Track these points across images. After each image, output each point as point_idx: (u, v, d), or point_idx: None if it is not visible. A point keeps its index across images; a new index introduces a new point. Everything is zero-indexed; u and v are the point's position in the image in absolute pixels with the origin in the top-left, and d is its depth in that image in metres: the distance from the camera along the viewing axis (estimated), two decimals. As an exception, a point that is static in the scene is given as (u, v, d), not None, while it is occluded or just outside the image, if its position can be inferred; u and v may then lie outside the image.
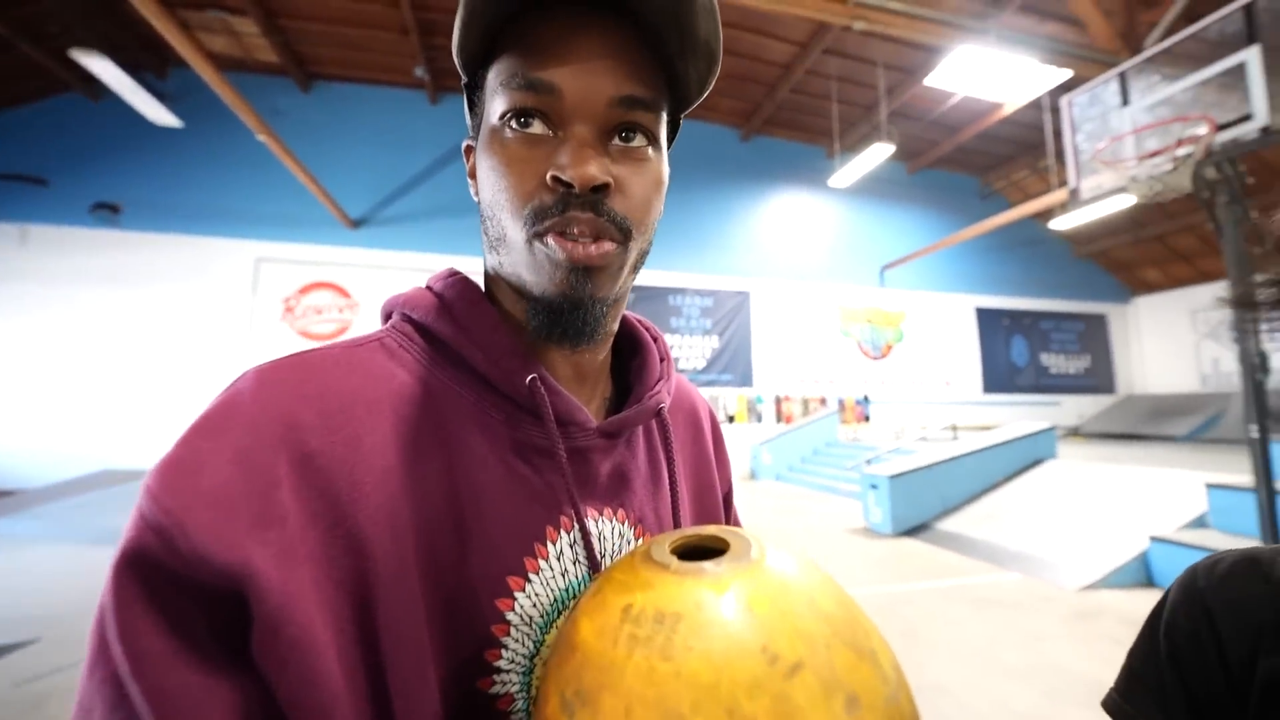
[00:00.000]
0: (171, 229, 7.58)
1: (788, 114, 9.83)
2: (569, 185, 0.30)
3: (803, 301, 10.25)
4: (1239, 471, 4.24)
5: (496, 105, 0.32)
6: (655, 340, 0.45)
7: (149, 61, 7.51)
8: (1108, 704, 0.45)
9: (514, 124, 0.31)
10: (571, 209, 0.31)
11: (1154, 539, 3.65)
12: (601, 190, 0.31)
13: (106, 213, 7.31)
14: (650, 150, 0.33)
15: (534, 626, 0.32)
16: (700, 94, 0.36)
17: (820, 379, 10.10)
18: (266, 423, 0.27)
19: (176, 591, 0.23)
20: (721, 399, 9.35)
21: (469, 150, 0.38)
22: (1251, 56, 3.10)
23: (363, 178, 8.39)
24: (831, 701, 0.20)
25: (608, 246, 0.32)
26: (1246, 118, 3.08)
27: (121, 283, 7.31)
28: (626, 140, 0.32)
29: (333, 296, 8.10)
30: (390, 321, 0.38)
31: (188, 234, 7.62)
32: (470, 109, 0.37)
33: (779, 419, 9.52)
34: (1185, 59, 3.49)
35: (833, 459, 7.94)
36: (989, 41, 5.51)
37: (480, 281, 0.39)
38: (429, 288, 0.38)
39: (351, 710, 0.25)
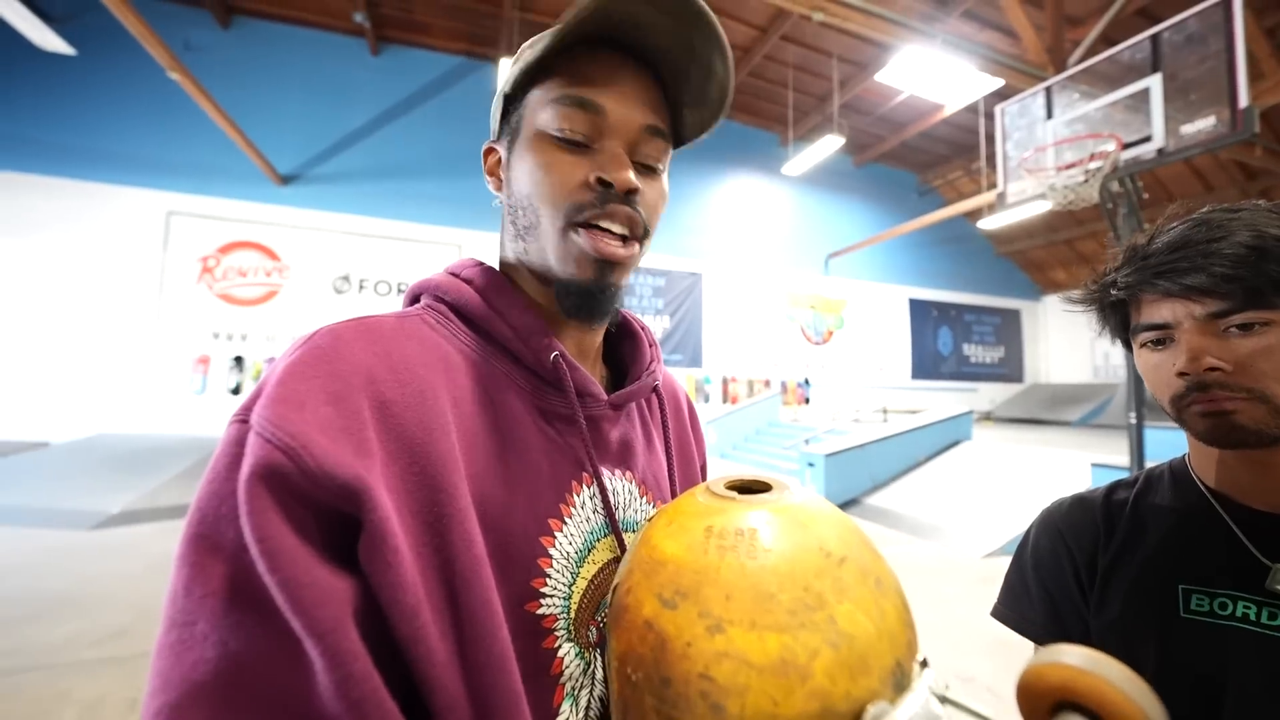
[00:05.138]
0: (58, 171, 6.65)
1: (745, 98, 9.90)
2: (609, 185, 0.37)
3: (752, 285, 10.52)
4: (1118, 453, 4.85)
5: (543, 116, 0.38)
6: (643, 329, 0.51)
7: (28, -27, 6.47)
8: (994, 612, 0.62)
9: (560, 133, 0.37)
10: (610, 203, 0.37)
11: (1046, 511, 4.12)
12: (633, 194, 0.38)
13: (-24, 148, 6.34)
14: (660, 170, 0.41)
15: (571, 560, 0.37)
16: (697, 136, 0.44)
17: (765, 361, 10.47)
18: (349, 372, 0.31)
19: (299, 502, 0.27)
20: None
21: (489, 151, 0.44)
22: (1154, 84, 3.44)
23: (293, 130, 7.68)
24: (868, 580, 0.27)
25: (634, 248, 0.39)
26: (1147, 139, 3.43)
27: (-4, 230, 6.39)
28: (645, 160, 0.39)
29: (259, 258, 7.45)
30: (422, 303, 0.42)
31: (78, 178, 6.71)
32: (504, 118, 0.42)
33: (725, 399, 9.83)
34: (1101, 79, 3.82)
35: (774, 438, 8.31)
36: (935, 44, 5.77)
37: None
38: (456, 274, 0.42)
39: (431, 616, 0.29)
